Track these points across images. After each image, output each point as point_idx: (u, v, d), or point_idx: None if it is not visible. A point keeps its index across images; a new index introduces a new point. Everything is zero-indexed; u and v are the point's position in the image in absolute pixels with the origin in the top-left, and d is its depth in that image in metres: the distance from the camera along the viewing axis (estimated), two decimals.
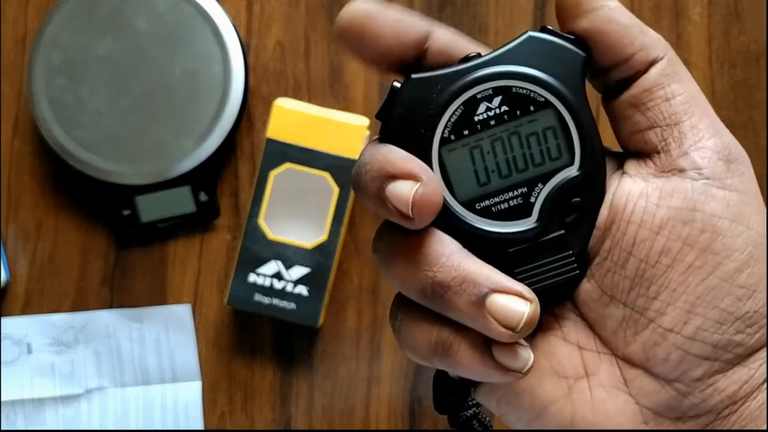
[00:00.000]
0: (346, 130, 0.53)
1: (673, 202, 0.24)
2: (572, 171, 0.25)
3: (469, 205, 0.25)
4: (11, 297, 0.58)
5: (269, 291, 0.54)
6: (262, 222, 0.54)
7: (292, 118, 0.54)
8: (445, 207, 0.25)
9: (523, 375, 0.24)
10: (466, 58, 0.25)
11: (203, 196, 0.56)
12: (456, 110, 0.24)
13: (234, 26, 0.55)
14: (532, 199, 0.25)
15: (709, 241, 0.23)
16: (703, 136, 0.24)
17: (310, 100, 0.58)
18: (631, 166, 0.25)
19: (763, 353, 0.24)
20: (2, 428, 0.58)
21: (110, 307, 0.58)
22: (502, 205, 0.25)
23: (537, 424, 0.25)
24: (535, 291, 0.24)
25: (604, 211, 0.25)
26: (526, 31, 0.25)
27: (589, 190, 0.25)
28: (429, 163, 0.24)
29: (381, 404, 0.58)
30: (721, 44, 0.58)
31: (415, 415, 0.58)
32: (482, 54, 0.25)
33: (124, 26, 0.54)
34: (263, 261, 0.54)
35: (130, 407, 0.59)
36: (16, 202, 0.58)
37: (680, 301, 0.23)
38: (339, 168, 0.53)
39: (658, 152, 0.25)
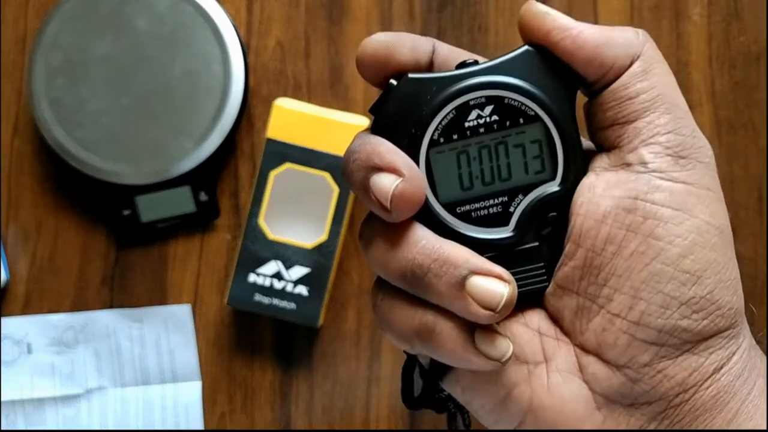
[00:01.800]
0: (346, 130, 0.53)
1: (616, 192, 0.25)
2: (553, 186, 0.26)
3: (450, 208, 0.26)
4: (11, 297, 0.58)
5: (269, 291, 0.54)
6: (262, 222, 0.54)
7: (292, 118, 0.54)
8: (427, 207, 0.25)
9: (502, 365, 0.25)
10: (463, 64, 0.26)
11: (203, 196, 0.56)
12: (448, 114, 0.25)
13: (234, 26, 0.55)
14: (512, 209, 0.26)
15: (652, 228, 0.24)
16: (657, 132, 0.25)
17: (310, 100, 0.58)
18: (593, 162, 0.26)
19: (714, 342, 0.24)
20: (2, 428, 0.58)
21: (110, 307, 0.58)
22: (482, 211, 0.26)
23: (499, 410, 0.26)
24: None
25: None
26: (525, 44, 0.26)
27: (567, 207, 0.25)
28: (416, 162, 0.25)
29: (381, 404, 0.58)
30: (721, 44, 0.58)
31: (415, 415, 0.58)
32: (479, 62, 0.26)
33: (124, 26, 0.54)
34: (263, 261, 0.54)
35: (130, 407, 0.59)
36: (16, 202, 0.58)
37: (626, 287, 0.24)
38: (339, 168, 0.53)
39: (614, 148, 0.26)
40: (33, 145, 0.58)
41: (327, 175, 0.54)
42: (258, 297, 0.54)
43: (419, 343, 0.25)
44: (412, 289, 0.25)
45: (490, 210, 0.26)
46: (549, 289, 0.26)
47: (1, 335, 0.58)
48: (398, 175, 0.24)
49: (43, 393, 0.58)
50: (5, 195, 0.58)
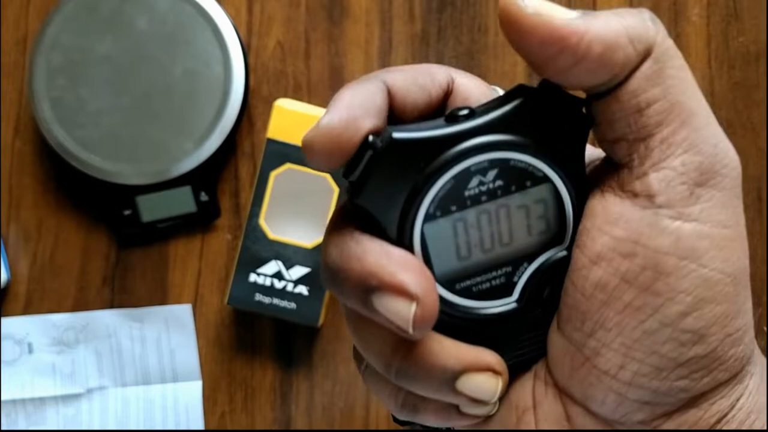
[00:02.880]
0: None
1: (616, 231, 0.21)
2: (560, 250, 0.22)
3: (449, 285, 0.22)
4: (12, 297, 0.58)
5: (269, 291, 0.54)
6: (263, 222, 0.54)
7: (292, 119, 0.54)
8: None
9: (486, 417, 0.23)
10: (455, 117, 0.21)
11: (204, 196, 0.56)
12: (445, 184, 0.21)
13: (234, 26, 0.56)
14: (515, 279, 0.23)
15: (651, 281, 0.20)
16: (672, 152, 0.21)
17: (310, 101, 0.58)
18: (601, 170, 0.23)
19: (717, 393, 0.21)
20: (3, 427, 0.58)
21: (111, 306, 0.58)
22: (483, 285, 0.23)
23: None
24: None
25: None
26: (524, 87, 0.22)
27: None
28: (409, 240, 0.21)
29: (380, 404, 0.58)
30: (720, 45, 0.58)
31: None
32: (474, 109, 0.21)
33: (124, 26, 0.54)
34: (263, 261, 0.54)
35: (131, 407, 0.59)
36: (17, 202, 0.58)
37: (616, 343, 0.21)
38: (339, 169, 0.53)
39: (622, 166, 0.22)
40: (34, 145, 0.58)
41: (327, 176, 0.54)
42: (258, 297, 0.54)
43: (404, 415, 0.23)
44: (398, 383, 0.22)
45: (493, 282, 0.23)
46: None
47: (2, 335, 0.58)
48: (410, 299, 0.20)
49: (44, 392, 0.58)
50: (6, 195, 0.58)
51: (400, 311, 0.20)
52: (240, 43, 0.55)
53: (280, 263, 0.54)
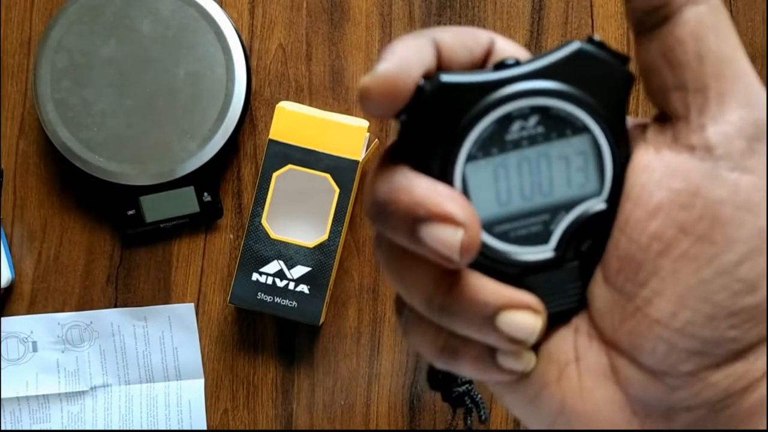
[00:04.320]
0: (346, 132, 0.54)
1: (674, 183, 0.21)
2: (598, 203, 0.23)
3: (488, 227, 0.23)
4: (17, 296, 0.59)
5: (271, 289, 0.54)
6: (265, 222, 0.54)
7: (293, 120, 0.54)
8: None
9: (525, 374, 0.23)
10: (502, 65, 0.22)
11: (207, 197, 0.57)
12: (488, 126, 0.22)
13: (236, 30, 0.56)
14: (552, 227, 0.23)
15: (708, 230, 0.21)
16: (729, 107, 0.21)
17: (311, 103, 0.58)
18: (652, 129, 0.23)
19: (762, 347, 0.22)
20: (8, 425, 0.58)
21: (115, 305, 0.59)
22: (521, 230, 0.23)
23: (530, 410, 0.24)
24: None
25: None
26: (572, 41, 0.22)
27: (612, 224, 0.23)
28: (451, 179, 0.22)
29: (381, 400, 0.58)
30: None
31: (415, 411, 0.59)
32: (520, 61, 0.22)
33: (128, 29, 0.55)
34: (265, 260, 0.54)
35: (135, 404, 0.59)
36: (22, 202, 0.59)
37: (669, 292, 0.21)
38: (340, 169, 0.54)
39: (679, 119, 0.22)
40: (39, 146, 0.59)
41: (328, 176, 0.54)
42: (260, 295, 0.54)
43: (443, 362, 0.24)
44: (438, 321, 0.23)
45: (531, 229, 0.23)
46: None
47: (7, 333, 0.58)
48: (456, 226, 0.21)
49: (49, 390, 0.59)
50: (11, 195, 0.59)
51: (447, 238, 0.21)
52: (242, 46, 0.56)
53: (281, 262, 0.54)
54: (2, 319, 0.58)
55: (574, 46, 0.22)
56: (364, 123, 0.54)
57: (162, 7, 0.55)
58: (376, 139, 0.58)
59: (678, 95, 0.22)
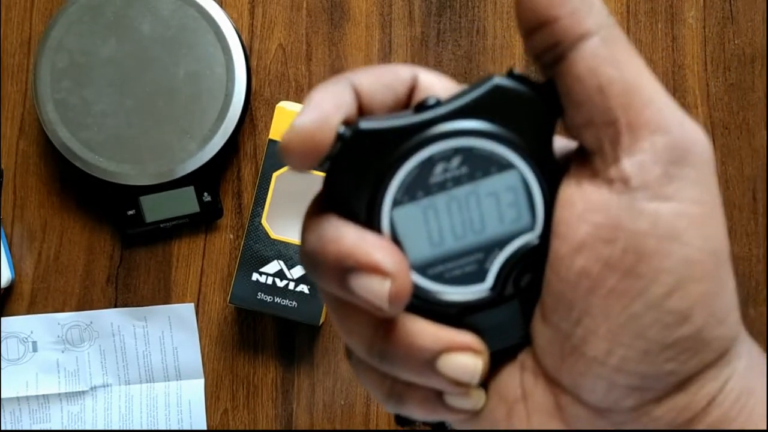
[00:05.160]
0: None
1: (595, 218, 0.21)
2: (532, 237, 0.23)
3: (421, 270, 0.23)
4: (17, 296, 0.59)
5: (271, 289, 0.54)
6: (265, 222, 0.54)
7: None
8: None
9: (476, 412, 0.23)
10: (422, 106, 0.22)
11: (207, 197, 0.57)
12: (411, 171, 0.22)
13: (236, 30, 0.56)
14: (488, 265, 0.23)
15: (633, 264, 0.20)
16: (640, 135, 0.21)
17: None
18: (574, 162, 0.22)
19: (705, 375, 0.21)
20: (8, 425, 0.58)
21: (115, 305, 0.59)
22: (456, 271, 0.23)
23: None
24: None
25: None
26: (491, 77, 0.22)
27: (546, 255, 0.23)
28: (379, 226, 0.22)
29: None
30: (716, 47, 0.59)
31: None
32: (441, 100, 0.22)
33: (128, 29, 0.55)
34: (265, 260, 0.54)
35: (135, 404, 0.59)
36: (22, 202, 0.59)
37: (602, 329, 0.21)
38: None
39: (595, 153, 0.21)
40: (39, 146, 0.59)
41: None
42: (260, 295, 0.54)
43: (392, 405, 0.24)
44: (381, 367, 0.23)
45: (465, 269, 0.23)
46: None
47: (7, 333, 0.58)
48: (384, 276, 0.21)
49: (49, 390, 0.59)
50: (11, 195, 0.59)
51: (375, 289, 0.21)
52: (242, 46, 0.56)
53: (281, 262, 0.54)
54: (2, 319, 0.58)
55: (492, 82, 0.22)
56: None
57: (162, 7, 0.55)
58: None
59: (589, 131, 0.21)
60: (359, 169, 0.22)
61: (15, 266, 0.59)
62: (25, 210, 0.59)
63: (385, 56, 0.58)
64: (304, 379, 0.59)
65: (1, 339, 0.58)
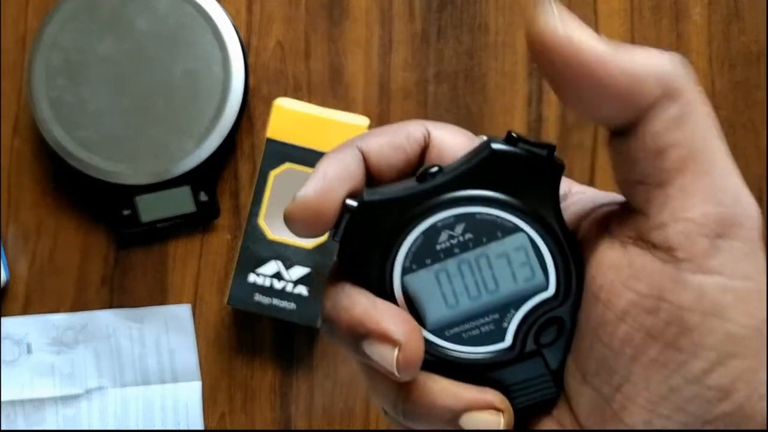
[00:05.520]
0: (346, 130, 0.54)
1: (639, 286, 0.21)
2: (547, 294, 0.23)
3: (439, 332, 0.23)
4: (11, 297, 0.59)
5: (269, 291, 0.54)
6: (262, 222, 0.54)
7: (292, 118, 0.54)
8: None
9: None
10: (424, 175, 0.23)
11: (203, 196, 0.56)
12: (416, 240, 0.23)
13: (234, 26, 0.56)
14: (505, 324, 0.23)
15: (675, 337, 0.20)
16: (691, 203, 0.20)
17: (310, 100, 0.58)
18: (616, 221, 0.22)
19: None
20: (2, 428, 0.58)
21: (110, 307, 0.58)
22: (473, 331, 0.23)
23: None
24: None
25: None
26: (491, 141, 0.22)
27: (567, 310, 0.23)
28: (392, 293, 0.23)
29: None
30: (721, 44, 0.58)
31: None
32: (442, 168, 0.23)
33: (124, 27, 0.55)
34: (263, 261, 0.54)
35: (130, 407, 0.59)
36: (16, 202, 0.58)
37: (642, 398, 0.21)
38: None
39: (642, 213, 0.21)
40: (33, 145, 0.58)
41: None
42: (258, 297, 0.54)
43: None
44: (407, 425, 0.24)
45: (483, 329, 0.23)
46: (569, 367, 0.23)
47: (2, 335, 0.58)
48: (394, 345, 0.22)
49: (43, 393, 0.58)
50: (5, 195, 0.58)
51: (385, 356, 0.22)
52: (240, 43, 0.55)
53: (279, 263, 0.54)
54: None
55: (490, 149, 0.22)
56: (364, 121, 0.54)
57: (159, 5, 0.55)
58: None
59: (638, 189, 0.21)
60: (367, 240, 0.23)
61: (9, 267, 0.58)
62: (20, 210, 0.58)
63: (385, 53, 0.58)
64: (302, 382, 0.58)
65: None
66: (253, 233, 0.54)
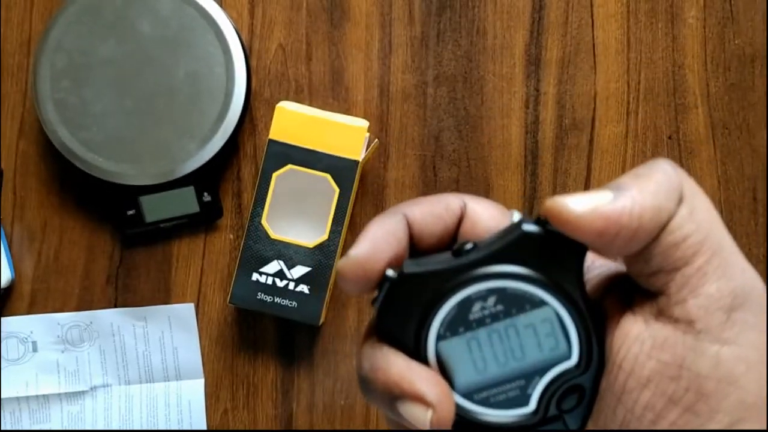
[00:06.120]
0: (346, 132, 0.54)
1: (662, 356, 0.23)
2: (570, 363, 0.25)
3: (468, 396, 0.25)
4: (17, 296, 0.59)
5: (271, 290, 0.54)
6: (265, 222, 0.54)
7: (293, 120, 0.54)
8: None
9: None
10: (460, 251, 0.25)
11: (206, 197, 0.57)
12: (451, 310, 0.25)
13: (236, 29, 0.56)
14: (530, 390, 0.25)
15: (693, 402, 0.22)
16: (706, 280, 0.23)
17: (311, 103, 0.58)
18: (638, 300, 0.24)
19: None
20: (8, 425, 0.58)
21: (115, 305, 0.59)
22: (500, 396, 0.25)
23: None
24: None
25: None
26: (523, 223, 0.25)
27: (588, 379, 0.25)
28: (426, 357, 0.25)
29: None
30: (716, 47, 0.59)
31: None
32: (477, 244, 0.25)
33: (127, 29, 0.55)
34: (265, 260, 0.54)
35: (135, 404, 0.59)
36: (22, 202, 0.59)
37: None
38: (340, 169, 0.54)
39: (660, 294, 0.23)
40: (38, 147, 0.59)
41: (328, 176, 0.54)
42: (260, 295, 0.54)
43: None
44: None
45: (509, 394, 0.25)
46: (591, 428, 0.25)
47: (7, 333, 0.58)
48: (427, 407, 0.23)
49: (49, 390, 0.59)
50: (11, 195, 0.59)
51: (419, 416, 0.23)
52: (242, 45, 0.56)
53: (281, 262, 0.54)
54: (2, 319, 0.58)
55: (521, 230, 0.24)
56: (364, 123, 0.54)
57: (161, 7, 0.55)
58: (376, 139, 0.58)
59: (657, 277, 0.23)
60: (405, 307, 0.25)
61: (15, 266, 0.59)
62: (25, 210, 0.59)
63: (385, 56, 0.58)
64: (303, 380, 0.59)
65: (1, 339, 0.58)
66: (256, 233, 0.54)
